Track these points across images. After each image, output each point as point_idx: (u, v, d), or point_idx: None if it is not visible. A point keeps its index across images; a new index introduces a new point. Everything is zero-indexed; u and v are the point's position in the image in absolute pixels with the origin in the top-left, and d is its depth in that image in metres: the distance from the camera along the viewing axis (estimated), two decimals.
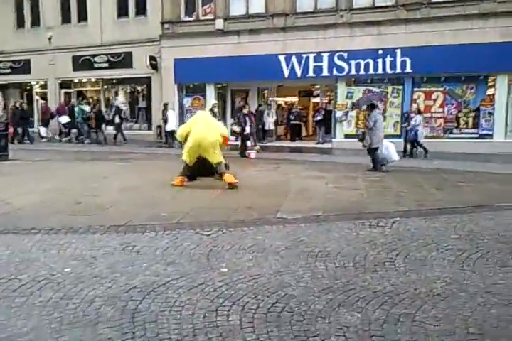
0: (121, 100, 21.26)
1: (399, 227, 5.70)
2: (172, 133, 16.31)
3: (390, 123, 16.22)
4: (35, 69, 22.39)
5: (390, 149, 11.17)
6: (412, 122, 14.27)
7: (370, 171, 10.93)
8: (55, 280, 4.07)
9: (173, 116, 17.85)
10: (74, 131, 20.13)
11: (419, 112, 14.65)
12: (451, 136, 15.92)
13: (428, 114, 15.98)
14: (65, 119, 19.99)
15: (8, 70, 23.20)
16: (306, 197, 7.75)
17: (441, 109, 15.98)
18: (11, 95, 24.06)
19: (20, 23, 22.60)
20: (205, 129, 8.51)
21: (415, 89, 16.18)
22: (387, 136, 15.52)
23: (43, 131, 20.68)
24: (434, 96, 16.01)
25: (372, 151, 11.19)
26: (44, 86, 23.02)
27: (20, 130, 19.09)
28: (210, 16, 18.61)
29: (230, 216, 6.34)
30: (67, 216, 6.36)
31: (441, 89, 15.94)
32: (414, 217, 6.19)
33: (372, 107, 11.75)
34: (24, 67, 22.62)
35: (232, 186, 8.36)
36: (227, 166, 8.95)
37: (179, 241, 5.18)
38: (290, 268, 4.33)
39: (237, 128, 14.67)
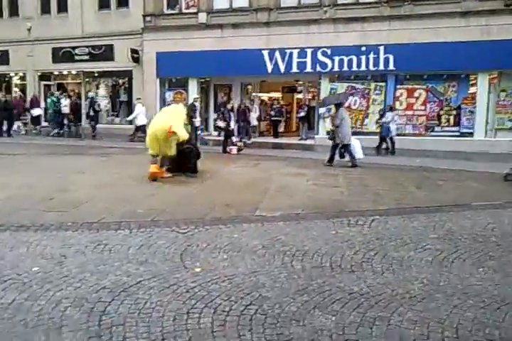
0: (98, 93, 20.82)
1: (378, 226, 5.64)
2: (143, 127, 15.55)
3: (372, 120, 16.20)
4: (13, 61, 21.85)
5: (355, 147, 11.57)
6: (383, 119, 14.61)
7: (350, 168, 11.07)
8: (20, 280, 3.92)
9: (141, 110, 17.31)
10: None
11: (391, 109, 14.89)
12: (433, 133, 15.94)
13: (410, 112, 16.00)
14: (37, 112, 19.69)
15: None
16: (286, 194, 7.65)
17: (423, 107, 15.99)
18: None
19: None
20: (162, 120, 8.69)
21: (398, 86, 16.17)
22: (369, 134, 15.75)
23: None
24: (416, 94, 16.00)
25: (345, 147, 11.58)
26: (23, 78, 22.50)
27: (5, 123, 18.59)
28: (193, 10, 18.33)
29: (207, 213, 6.21)
30: (39, 212, 6.18)
31: (423, 86, 15.94)
32: (393, 216, 6.13)
33: (338, 105, 11.97)
34: (2, 57, 22.06)
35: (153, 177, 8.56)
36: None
37: (153, 240, 5.04)
38: (266, 268, 4.23)
39: (222, 124, 14.48)
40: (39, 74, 21.85)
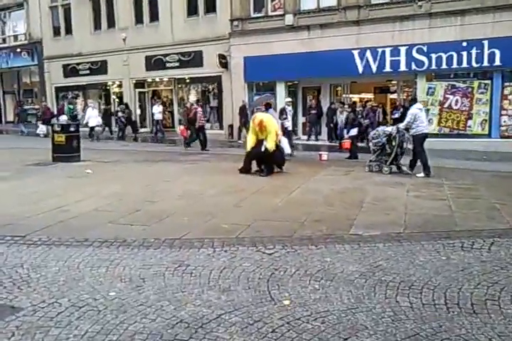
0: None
1: (499, 251, 4.75)
2: (92, 128, 19.31)
3: (476, 121, 14.78)
4: (111, 70, 22.88)
5: (283, 143, 11.40)
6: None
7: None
8: (96, 308, 3.62)
9: (92, 113, 19.51)
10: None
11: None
12: None
13: None
14: (65, 118, 20.93)
15: (87, 71, 23.88)
16: (383, 208, 6.87)
17: None
18: (90, 95, 24.82)
19: (97, 25, 23.17)
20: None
21: (506, 83, 14.62)
22: (473, 136, 14.38)
23: (40, 128, 21.90)
24: None
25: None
26: (120, 86, 23.47)
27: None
28: (280, 12, 17.97)
29: (295, 230, 5.67)
30: (123, 226, 5.99)
31: None
32: None
33: (268, 106, 12.67)
34: (101, 67, 23.19)
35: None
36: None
37: (237, 261, 4.60)
38: (365, 303, 3.60)
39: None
40: (134, 81, 22.64)
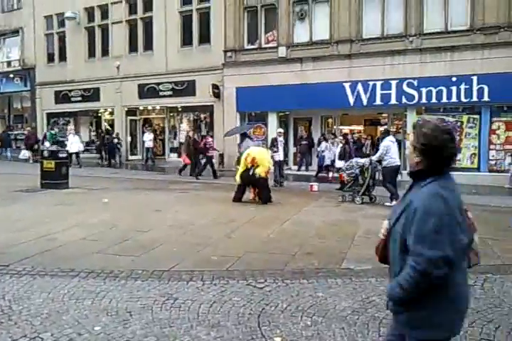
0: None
1: (492, 287, 4.70)
2: (75, 155, 19.61)
3: (465, 155, 14.94)
4: (103, 97, 22.95)
5: None
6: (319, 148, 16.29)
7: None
8: None
9: (73, 140, 19.99)
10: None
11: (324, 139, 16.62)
12: None
13: (510, 146, 14.60)
14: (48, 144, 21.05)
15: (79, 98, 23.93)
16: (375, 241, 6.78)
17: None
18: (81, 122, 24.83)
19: (91, 53, 23.37)
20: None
21: (494, 118, 14.87)
22: (463, 170, 14.49)
23: (22, 153, 22.20)
24: None
25: None
26: (112, 113, 23.52)
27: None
28: (273, 44, 18.29)
29: (286, 263, 5.58)
30: (111, 256, 5.87)
31: None
32: (510, 274, 5.14)
33: (244, 135, 14.03)
34: (93, 95, 23.27)
35: None
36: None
37: (227, 295, 4.49)
38: None
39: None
40: (126, 109, 22.72)
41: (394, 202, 10.04)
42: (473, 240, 2.29)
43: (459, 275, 2.17)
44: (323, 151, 16.47)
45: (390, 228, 2.29)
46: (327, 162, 16.19)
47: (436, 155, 2.20)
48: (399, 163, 10.59)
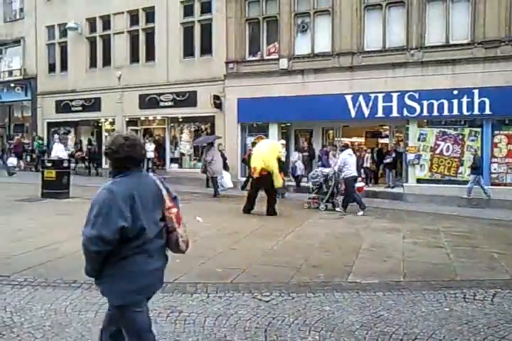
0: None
1: (502, 303, 4.63)
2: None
3: (467, 168, 14.88)
4: (104, 107, 22.95)
5: (225, 178, 13.94)
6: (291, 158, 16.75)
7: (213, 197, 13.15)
8: None
9: (58, 148, 20.02)
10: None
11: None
12: None
13: None
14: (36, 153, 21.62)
15: (80, 108, 23.93)
16: (381, 255, 6.73)
17: None
18: (82, 132, 24.81)
19: (92, 63, 23.43)
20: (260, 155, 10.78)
21: (496, 131, 14.88)
22: (466, 182, 14.46)
23: (9, 161, 21.80)
24: None
25: (213, 180, 13.92)
26: (112, 123, 23.51)
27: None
28: (275, 56, 18.35)
29: (292, 276, 5.50)
30: None
31: None
32: None
33: (210, 145, 14.59)
34: (94, 104, 23.27)
35: None
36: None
37: (233, 308, 4.41)
38: None
39: None
40: (127, 119, 22.71)
41: (362, 212, 10.71)
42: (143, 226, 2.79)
43: (139, 257, 2.78)
44: (295, 161, 16.81)
45: None
46: (298, 172, 16.57)
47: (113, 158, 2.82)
48: (355, 174, 11.50)
